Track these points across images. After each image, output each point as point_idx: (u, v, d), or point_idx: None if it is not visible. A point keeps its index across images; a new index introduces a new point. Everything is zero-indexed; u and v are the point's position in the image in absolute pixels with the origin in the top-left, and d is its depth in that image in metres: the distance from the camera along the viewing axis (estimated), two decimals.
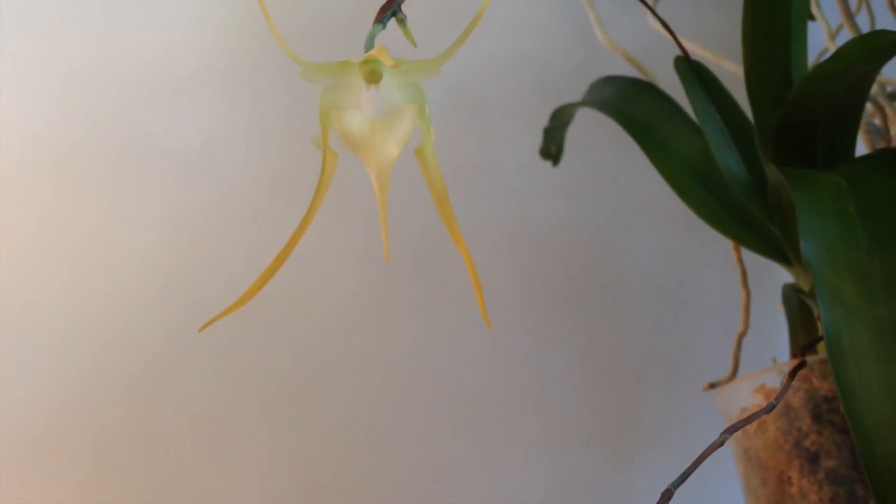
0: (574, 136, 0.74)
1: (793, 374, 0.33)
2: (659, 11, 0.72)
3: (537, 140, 0.69)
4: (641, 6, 0.71)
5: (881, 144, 0.54)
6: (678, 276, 0.85)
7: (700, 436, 0.74)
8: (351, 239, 0.83)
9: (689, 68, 0.49)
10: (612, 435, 0.81)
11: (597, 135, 0.84)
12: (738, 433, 0.45)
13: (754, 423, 0.44)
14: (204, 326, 0.31)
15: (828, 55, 0.51)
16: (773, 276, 0.67)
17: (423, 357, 0.81)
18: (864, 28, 0.68)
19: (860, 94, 0.42)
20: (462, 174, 0.85)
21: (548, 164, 0.68)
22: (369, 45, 0.29)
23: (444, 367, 0.81)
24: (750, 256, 0.58)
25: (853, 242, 0.34)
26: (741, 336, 0.58)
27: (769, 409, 0.30)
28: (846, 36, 0.63)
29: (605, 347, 0.83)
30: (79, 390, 0.80)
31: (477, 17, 0.28)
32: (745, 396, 0.45)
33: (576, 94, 0.69)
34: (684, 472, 0.26)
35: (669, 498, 0.25)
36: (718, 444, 0.28)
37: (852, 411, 0.29)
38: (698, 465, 0.27)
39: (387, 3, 0.31)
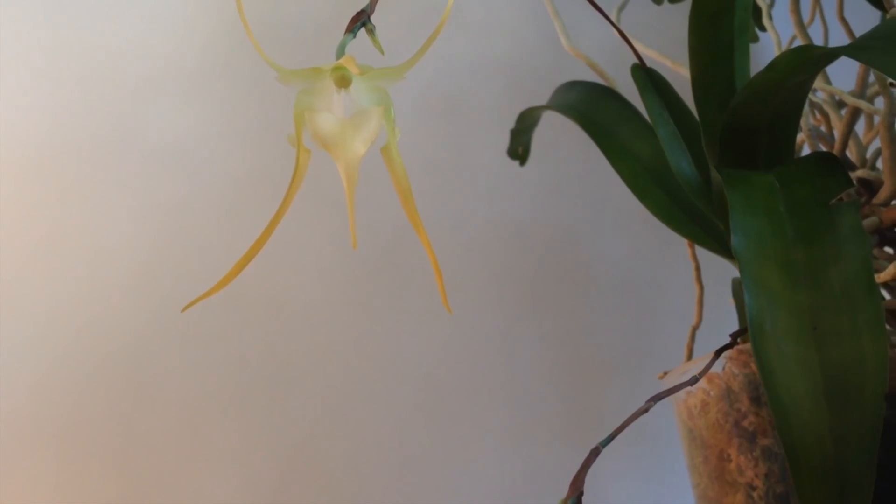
0: (545, 137, 0.77)
1: (718, 353, 0.36)
2: (626, 18, 0.75)
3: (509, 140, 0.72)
4: (611, 14, 0.75)
5: (825, 149, 0.58)
6: (643, 273, 0.89)
7: (660, 424, 0.78)
8: (326, 235, 0.86)
9: (645, 75, 0.52)
10: (577, 424, 0.85)
11: (567, 137, 0.87)
12: (684, 415, 0.48)
13: (699, 405, 0.47)
14: (185, 308, 0.34)
15: None
16: (728, 272, 0.71)
17: (395, 349, 0.84)
18: (818, 38, 0.72)
19: (797, 101, 0.45)
20: (436, 172, 0.88)
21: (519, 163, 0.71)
22: (340, 52, 0.32)
23: (416, 359, 0.84)
24: (706, 253, 0.62)
25: (781, 237, 0.37)
26: (695, 329, 0.62)
27: (692, 381, 0.33)
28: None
29: (571, 340, 0.86)
30: (57, 379, 0.82)
31: (437, 30, 0.31)
32: None
33: (546, 96, 0.73)
34: (611, 434, 0.30)
35: (597, 455, 0.28)
36: (643, 410, 0.31)
37: (771, 387, 0.32)
38: (623, 429, 0.30)
39: (357, 14, 0.34)
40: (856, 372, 0.32)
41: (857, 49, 0.36)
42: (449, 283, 0.88)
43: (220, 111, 0.91)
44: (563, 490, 0.92)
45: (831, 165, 0.40)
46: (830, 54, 0.38)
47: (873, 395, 0.32)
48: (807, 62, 0.39)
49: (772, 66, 0.40)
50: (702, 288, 0.62)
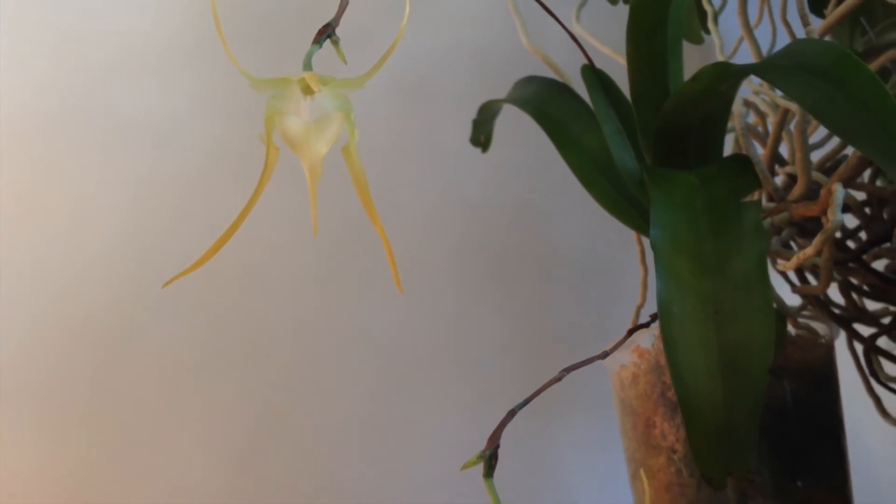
0: (509, 120, 0.81)
1: (630, 332, 0.42)
2: (587, 13, 0.79)
3: None
4: (572, 11, 0.79)
5: (759, 147, 0.63)
6: (599, 254, 0.94)
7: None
8: (301, 215, 0.90)
9: (594, 75, 0.57)
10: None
11: (530, 120, 0.91)
12: (617, 386, 0.54)
13: (630, 377, 0.53)
14: (165, 285, 0.38)
15: None
16: None
17: (363, 322, 0.89)
18: (765, 39, 0.76)
19: (723, 107, 0.50)
20: (405, 154, 0.93)
21: None
22: (307, 63, 0.36)
23: (382, 332, 0.89)
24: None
25: (695, 230, 0.42)
26: (639, 307, 0.67)
27: (603, 356, 0.39)
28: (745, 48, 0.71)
29: (530, 316, 0.92)
30: (36, 344, 0.86)
31: (393, 44, 0.35)
32: (624, 355, 0.53)
33: (513, 83, 0.77)
34: (526, 399, 0.35)
35: (512, 416, 0.33)
36: (556, 379, 0.36)
37: (673, 361, 0.38)
38: (538, 395, 0.35)
39: (323, 26, 0.38)
40: (747, 350, 0.37)
41: (765, 69, 0.41)
42: (414, 259, 0.93)
43: (197, 88, 0.94)
44: (518, 457, 0.99)
45: (746, 166, 0.45)
46: (744, 71, 0.43)
47: (760, 370, 0.37)
48: (725, 75, 0.44)
49: (696, 77, 0.45)
50: (646, 270, 0.67)
